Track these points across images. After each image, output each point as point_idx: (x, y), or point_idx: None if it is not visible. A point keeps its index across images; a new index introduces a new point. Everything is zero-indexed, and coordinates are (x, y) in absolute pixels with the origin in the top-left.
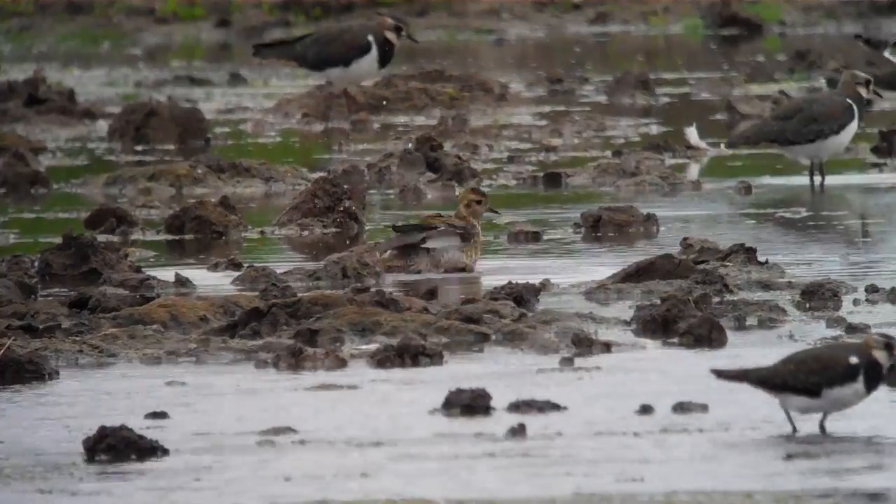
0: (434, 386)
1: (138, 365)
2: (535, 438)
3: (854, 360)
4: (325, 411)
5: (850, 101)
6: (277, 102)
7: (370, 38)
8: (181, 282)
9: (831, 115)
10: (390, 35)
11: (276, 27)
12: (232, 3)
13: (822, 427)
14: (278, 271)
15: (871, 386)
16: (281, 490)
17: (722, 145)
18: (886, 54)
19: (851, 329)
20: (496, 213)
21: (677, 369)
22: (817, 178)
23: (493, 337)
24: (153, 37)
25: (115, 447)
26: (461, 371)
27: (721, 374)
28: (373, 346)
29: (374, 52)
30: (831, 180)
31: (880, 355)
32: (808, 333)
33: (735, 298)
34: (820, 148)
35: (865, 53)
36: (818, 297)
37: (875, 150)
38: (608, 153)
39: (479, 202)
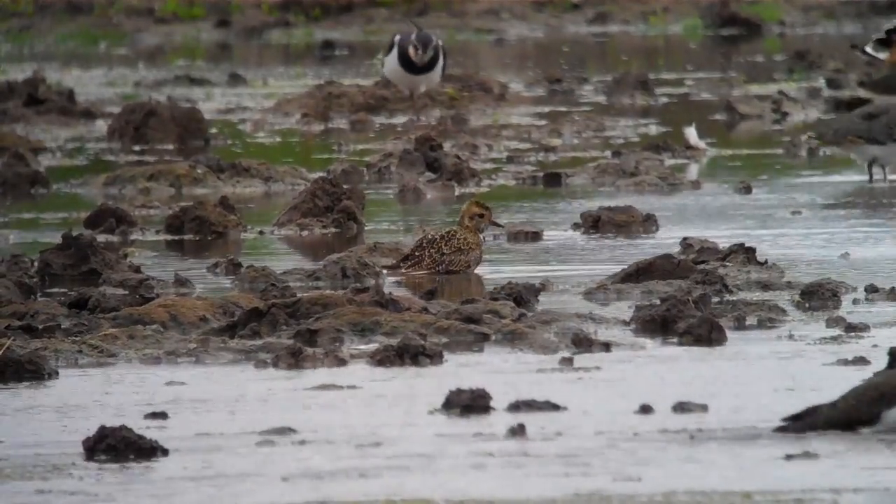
0: (434, 386)
1: (138, 365)
2: (534, 438)
3: None
4: (325, 411)
5: None
6: (277, 102)
7: None
8: (181, 282)
9: None
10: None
11: (275, 27)
12: (231, 3)
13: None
14: (278, 271)
15: None
16: (280, 490)
17: (808, 136)
18: (868, 49)
19: (851, 329)
20: (500, 226)
21: (677, 369)
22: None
23: (493, 337)
24: (153, 37)
25: (115, 447)
26: (461, 371)
27: (787, 428)
28: (372, 346)
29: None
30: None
31: None
32: (808, 333)
33: (734, 298)
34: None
35: (865, 56)
36: (818, 297)
37: None
38: (608, 153)
39: (481, 216)
